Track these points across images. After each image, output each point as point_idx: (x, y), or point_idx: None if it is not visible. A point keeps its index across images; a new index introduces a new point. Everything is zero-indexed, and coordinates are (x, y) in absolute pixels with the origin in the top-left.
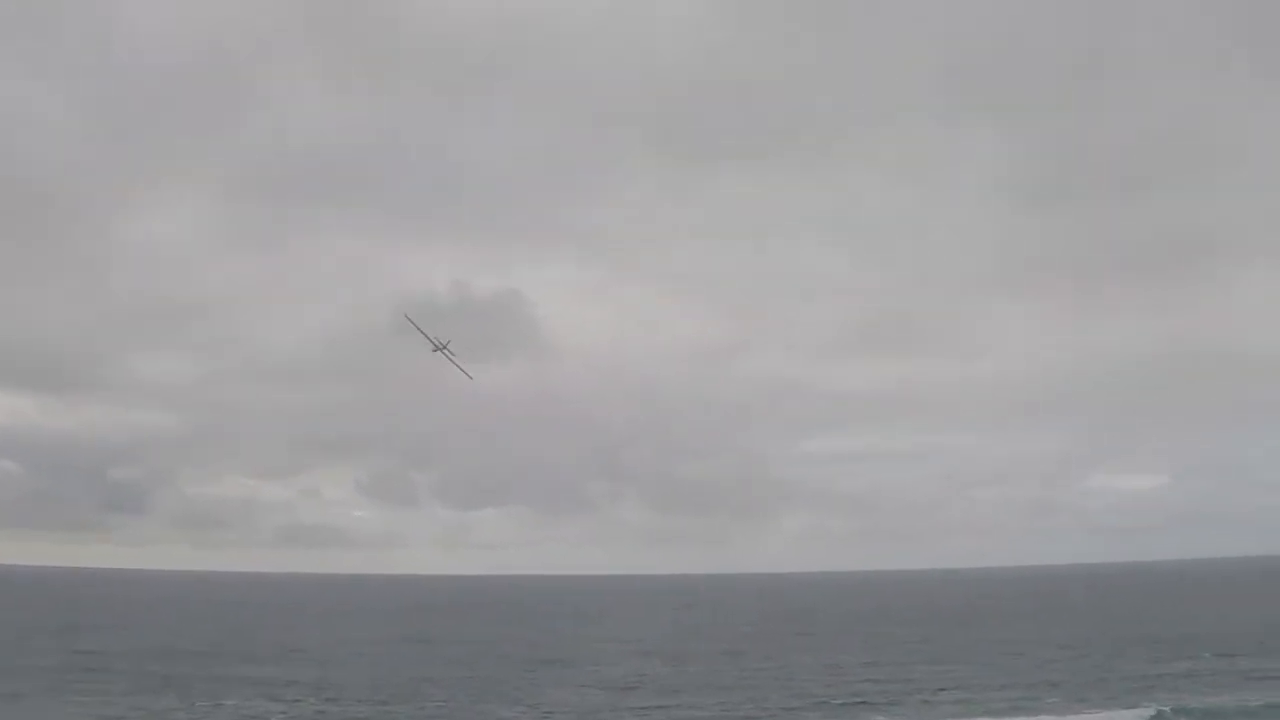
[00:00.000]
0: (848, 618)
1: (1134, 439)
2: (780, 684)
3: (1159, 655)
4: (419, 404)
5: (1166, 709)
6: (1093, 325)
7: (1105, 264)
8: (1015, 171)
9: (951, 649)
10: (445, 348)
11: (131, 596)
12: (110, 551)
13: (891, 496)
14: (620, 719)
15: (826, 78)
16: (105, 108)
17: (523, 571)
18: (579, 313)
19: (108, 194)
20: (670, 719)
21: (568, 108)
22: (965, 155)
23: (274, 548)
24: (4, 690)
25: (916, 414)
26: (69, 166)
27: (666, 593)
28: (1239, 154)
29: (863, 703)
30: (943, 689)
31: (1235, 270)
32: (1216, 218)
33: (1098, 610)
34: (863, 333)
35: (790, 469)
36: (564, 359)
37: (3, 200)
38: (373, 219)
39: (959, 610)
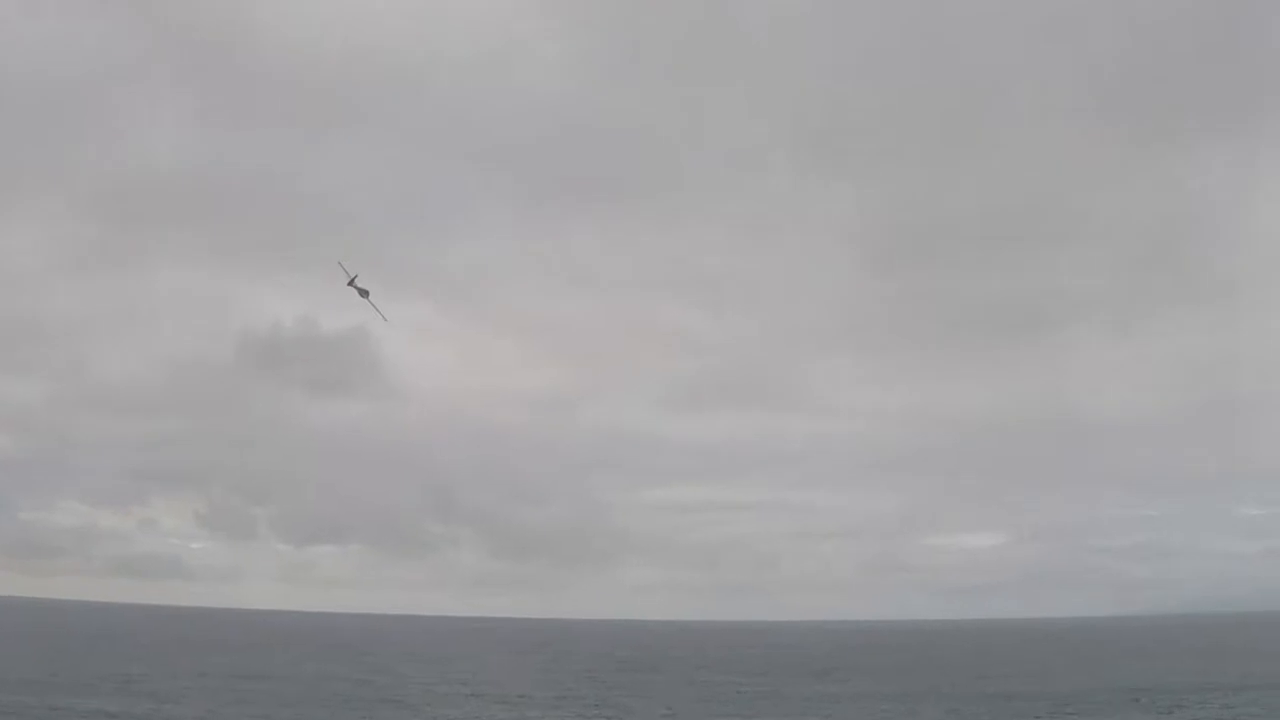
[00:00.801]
0: (689, 667)
1: (975, 499)
2: None
3: (994, 712)
4: (261, 437)
5: None
6: (938, 386)
7: (951, 326)
8: (867, 231)
9: (791, 700)
10: (363, 292)
11: None
12: None
13: (735, 549)
14: None
15: (686, 130)
16: None
17: (362, 610)
18: (426, 353)
19: None
20: None
21: (425, 145)
22: (818, 213)
23: (110, 577)
24: None
25: (761, 468)
26: None
27: (504, 637)
28: (1081, 227)
29: None
30: None
31: (1074, 339)
32: (1057, 287)
33: (935, 666)
34: (709, 386)
35: (633, 518)
36: (409, 399)
37: None
38: (224, 249)
39: (800, 663)
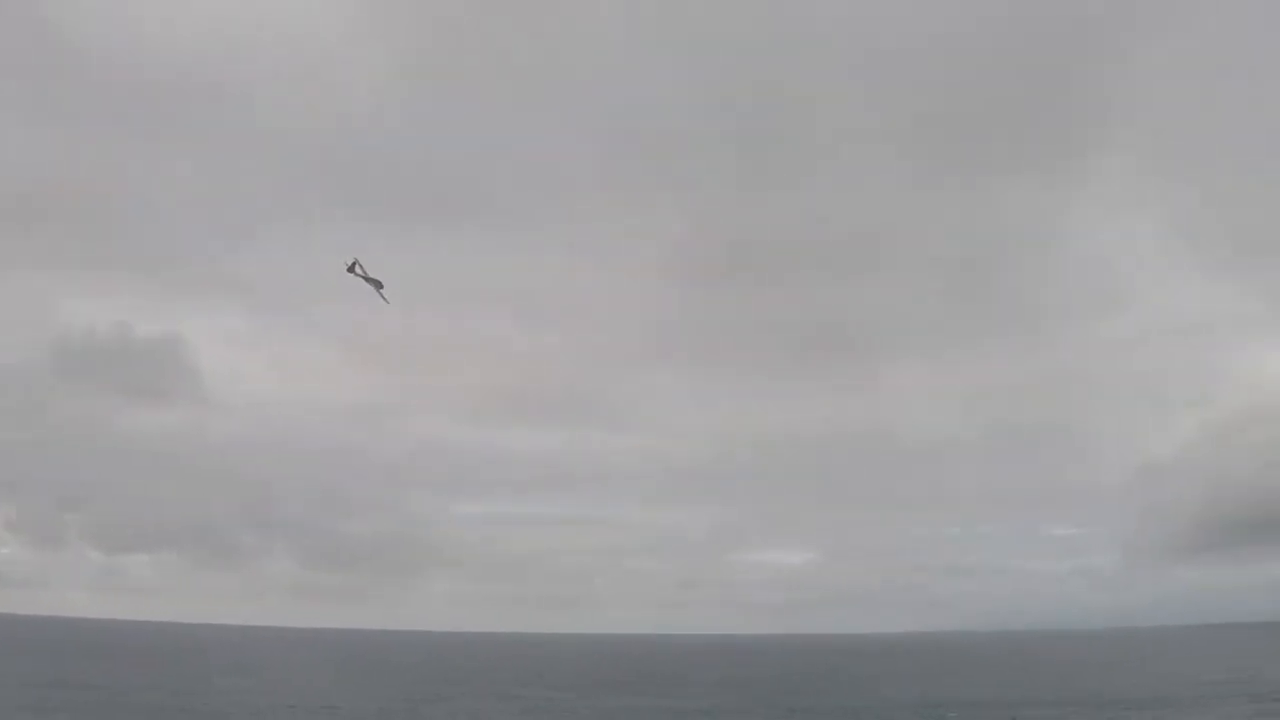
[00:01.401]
0: (501, 680)
1: (788, 517)
2: None
3: None
4: (73, 444)
5: None
6: (752, 405)
7: (768, 347)
8: (687, 249)
9: (597, 713)
10: (376, 283)
11: None
12: None
13: (548, 562)
14: None
15: (506, 145)
16: None
17: (175, 619)
18: (242, 362)
19: None
20: None
21: (242, 154)
22: (638, 229)
23: None
24: None
25: (575, 483)
26: None
27: (319, 648)
28: (898, 254)
29: None
30: None
31: (889, 362)
32: (874, 311)
33: (741, 682)
34: (524, 400)
35: (447, 530)
36: (223, 407)
37: None
38: (39, 253)
39: (610, 676)
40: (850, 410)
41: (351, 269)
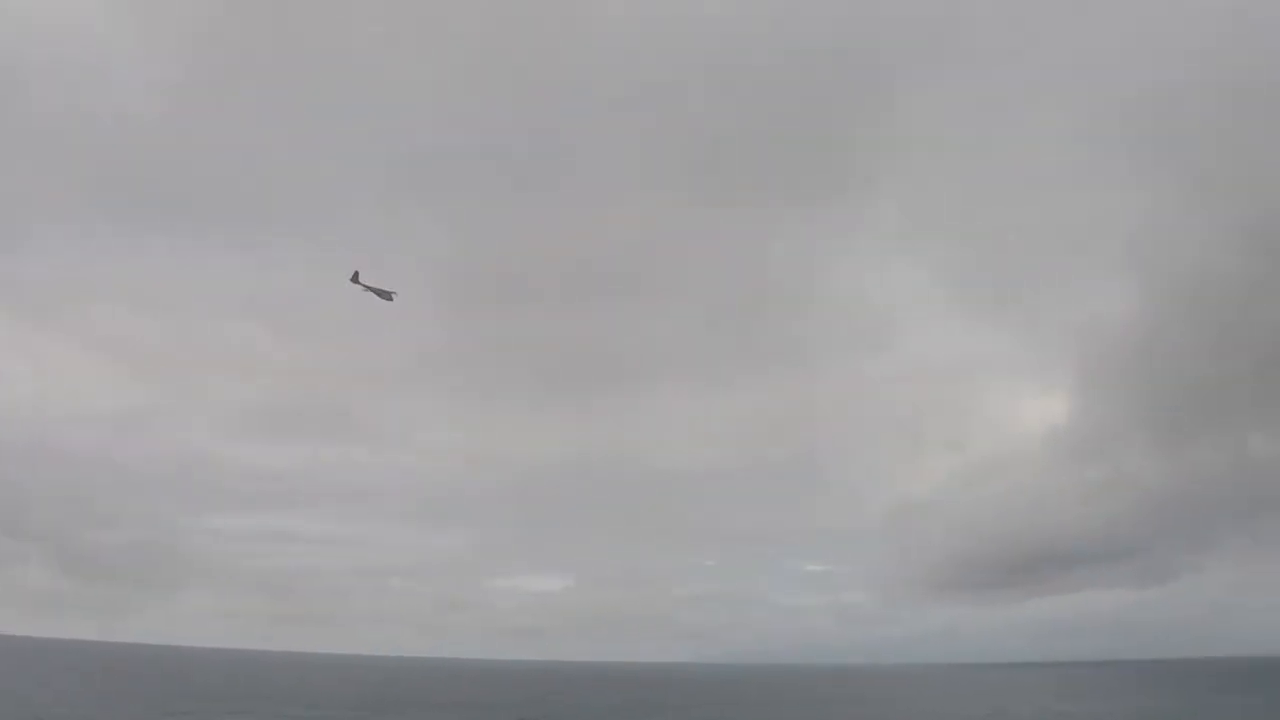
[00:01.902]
0: (248, 697)
1: (545, 542)
2: None
3: None
4: None
5: None
6: (515, 428)
7: (534, 371)
8: (454, 270)
9: None
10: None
11: None
12: None
13: (300, 580)
14: None
15: (278, 155)
16: None
17: None
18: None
19: None
20: None
21: (16, 155)
22: (408, 247)
23: None
24: None
25: (330, 500)
26: None
27: (65, 659)
28: (668, 284)
29: None
30: None
31: (654, 391)
32: (642, 340)
33: (486, 707)
34: (282, 413)
35: (200, 543)
36: None
37: None
38: None
39: (357, 697)
40: (611, 437)
41: (355, 279)
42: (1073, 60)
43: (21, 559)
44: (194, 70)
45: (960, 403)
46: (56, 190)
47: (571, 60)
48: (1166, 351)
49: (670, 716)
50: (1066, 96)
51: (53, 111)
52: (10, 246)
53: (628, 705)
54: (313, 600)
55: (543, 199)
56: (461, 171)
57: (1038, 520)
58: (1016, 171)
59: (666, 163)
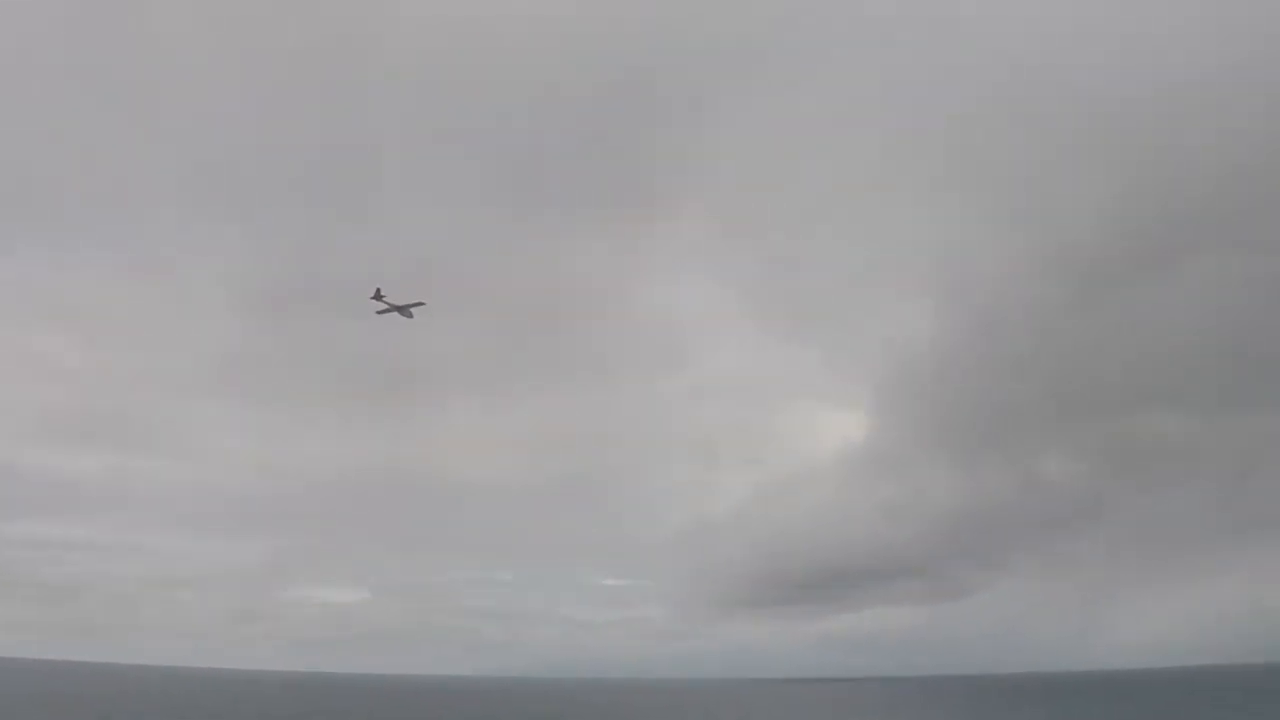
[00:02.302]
0: (29, 704)
1: (338, 554)
2: None
3: None
4: None
5: None
6: (310, 438)
7: (328, 382)
8: (251, 279)
9: None
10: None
11: None
12: None
13: (89, 589)
14: None
15: (73, 158)
16: None
17: None
18: None
19: None
20: None
21: None
22: (205, 256)
23: None
24: None
25: (121, 508)
26: None
27: None
28: (463, 294)
29: None
30: None
31: (448, 403)
32: (436, 351)
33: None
34: (76, 419)
35: None
36: None
37: None
38: None
39: (146, 708)
40: (408, 449)
41: (377, 297)
42: (882, 87)
43: None
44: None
45: (759, 420)
46: None
47: (376, 68)
48: (963, 375)
49: None
50: (874, 122)
51: None
52: None
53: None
54: (101, 609)
55: (340, 209)
56: (264, 177)
57: (833, 537)
58: (821, 193)
59: (468, 172)
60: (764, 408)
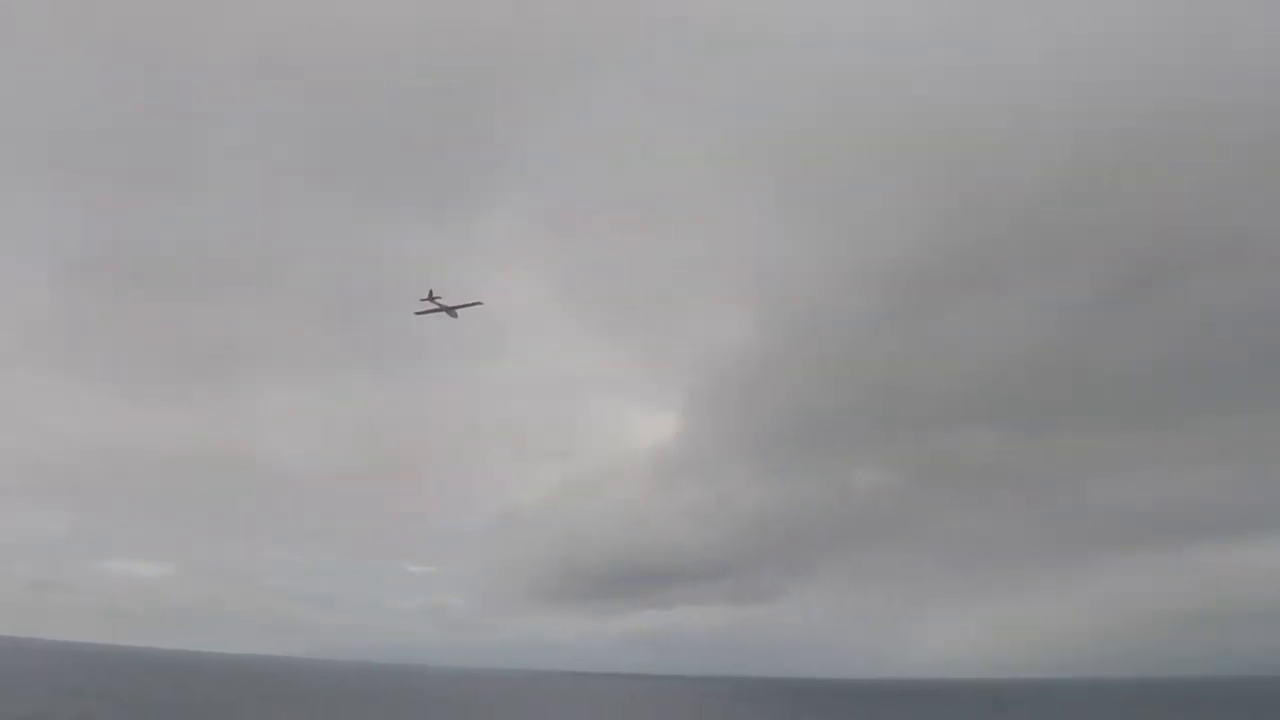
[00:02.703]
0: None
1: (149, 528)
2: None
3: None
4: None
5: None
6: (124, 414)
7: (147, 357)
8: (71, 251)
9: None
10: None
11: None
12: None
13: None
14: None
15: None
16: None
17: None
18: None
19: None
20: None
21: None
22: (25, 227)
23: None
24: None
25: None
26: None
27: None
28: (282, 277)
29: None
30: None
31: (266, 383)
32: (255, 333)
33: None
34: None
35: None
36: None
37: None
38: None
39: None
40: (221, 429)
41: (429, 298)
42: (710, 95)
43: None
44: None
45: (572, 415)
46: None
47: (212, 47)
48: (779, 382)
49: (241, 710)
50: (702, 129)
51: None
52: None
53: (196, 697)
54: None
55: (164, 186)
56: (94, 153)
57: (640, 535)
58: (646, 196)
59: (298, 157)
60: (577, 403)
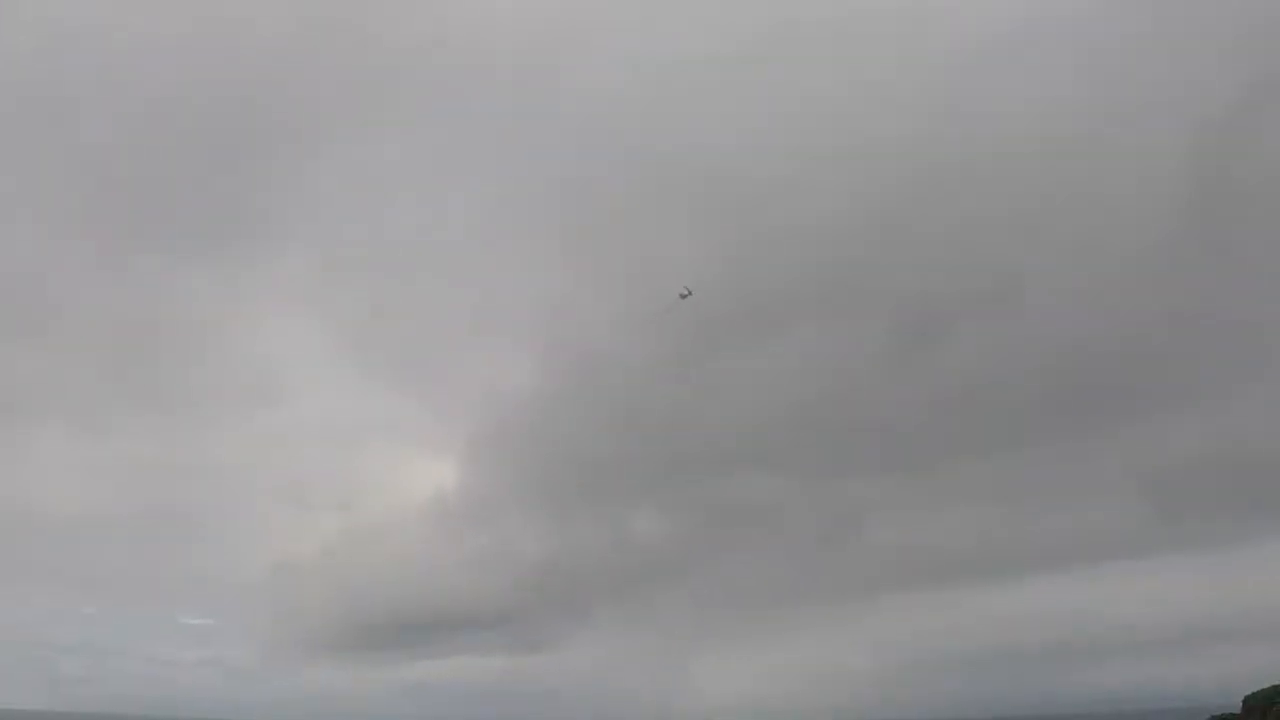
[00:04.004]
0: None
1: None
2: None
3: None
4: None
5: None
6: None
7: None
8: None
9: None
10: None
11: None
12: None
13: None
14: None
15: None
16: None
17: None
18: None
19: None
20: None
21: None
22: None
23: None
24: None
25: None
26: None
27: None
28: (56, 320)
29: None
30: None
31: (34, 431)
32: (25, 370)
33: None
34: None
35: None
36: None
37: None
38: None
39: None
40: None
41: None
42: (492, 139)
43: None
44: None
45: (351, 464)
46: None
47: None
48: (560, 428)
49: None
50: (482, 173)
51: None
52: None
53: None
54: None
55: None
56: None
57: (420, 584)
58: (426, 241)
59: (69, 191)
60: (357, 451)
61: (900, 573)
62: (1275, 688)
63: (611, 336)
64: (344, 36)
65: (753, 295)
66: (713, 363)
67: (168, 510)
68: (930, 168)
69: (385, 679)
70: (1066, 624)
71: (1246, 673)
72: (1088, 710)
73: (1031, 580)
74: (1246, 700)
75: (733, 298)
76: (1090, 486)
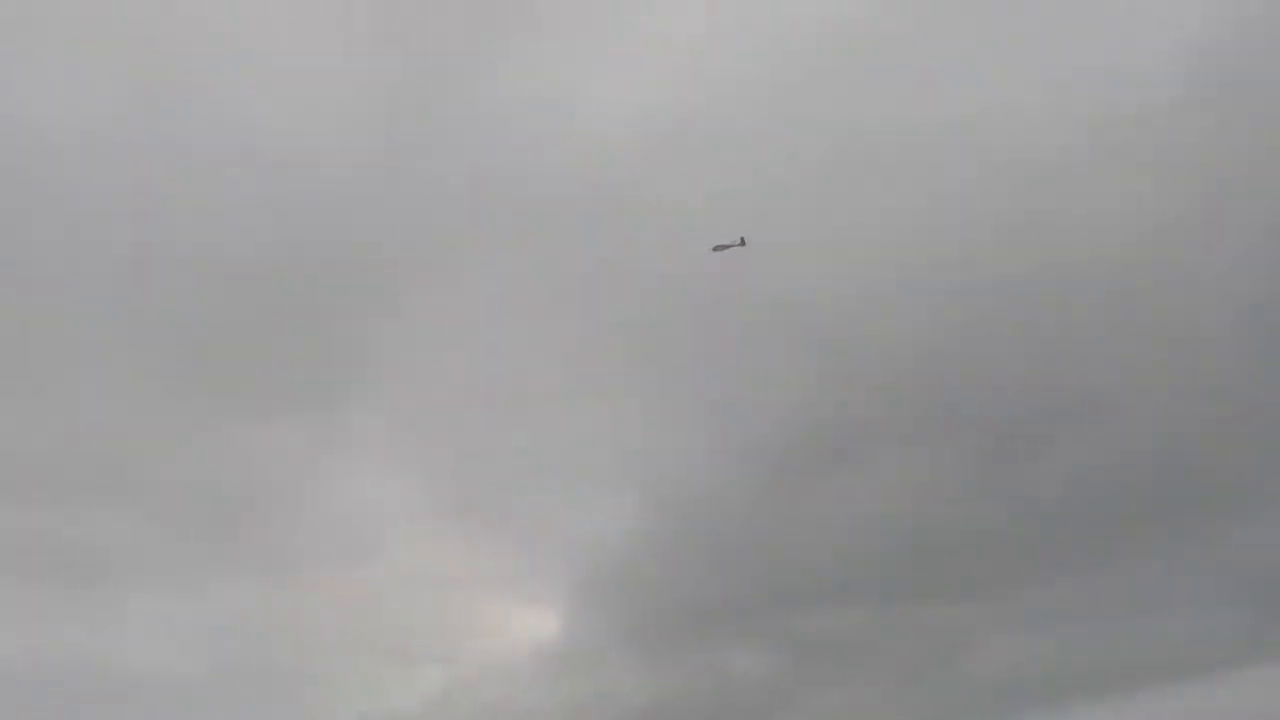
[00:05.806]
0: None
1: None
2: None
3: None
4: None
5: None
6: None
7: (7, 564)
8: None
9: None
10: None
11: None
12: None
13: None
14: None
15: None
16: None
17: None
18: None
19: None
20: None
21: None
22: None
23: None
24: None
25: None
26: None
27: None
28: (147, 476)
29: None
30: None
31: (129, 589)
32: (119, 533)
33: None
34: None
35: None
36: None
37: None
38: None
39: None
40: (77, 639)
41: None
42: (560, 281)
43: None
44: None
45: (450, 616)
46: None
47: (50, 237)
48: (655, 568)
49: None
50: (557, 315)
51: None
52: None
53: None
54: None
55: (13, 384)
56: None
57: None
58: (513, 387)
59: (149, 355)
60: (456, 602)
61: (996, 699)
62: None
63: (705, 472)
64: (422, 176)
65: (833, 422)
66: (800, 493)
67: (261, 670)
68: (1009, 281)
69: None
70: None
71: None
72: None
73: (1142, 694)
74: None
75: (815, 426)
76: (1190, 598)
